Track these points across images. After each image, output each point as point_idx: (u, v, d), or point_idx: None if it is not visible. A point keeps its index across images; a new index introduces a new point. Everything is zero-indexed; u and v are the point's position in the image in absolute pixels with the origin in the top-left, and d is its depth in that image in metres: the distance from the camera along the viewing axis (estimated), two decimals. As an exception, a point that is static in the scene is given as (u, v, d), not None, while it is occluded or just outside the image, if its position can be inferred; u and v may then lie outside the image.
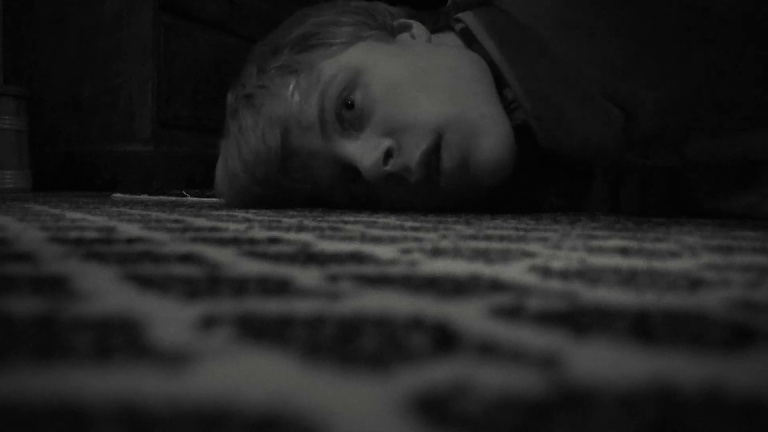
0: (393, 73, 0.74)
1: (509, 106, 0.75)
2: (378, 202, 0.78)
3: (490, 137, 0.72)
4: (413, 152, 0.71)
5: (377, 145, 0.72)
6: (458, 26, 0.81)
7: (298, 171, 0.77)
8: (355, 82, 0.74)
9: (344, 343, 0.18)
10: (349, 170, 0.76)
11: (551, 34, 0.74)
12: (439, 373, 0.16)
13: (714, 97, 0.70)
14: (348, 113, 0.73)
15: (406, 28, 0.82)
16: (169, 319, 0.21)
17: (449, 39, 0.81)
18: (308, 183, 0.78)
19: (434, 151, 0.71)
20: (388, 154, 0.71)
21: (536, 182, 0.82)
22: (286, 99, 0.76)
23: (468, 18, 0.81)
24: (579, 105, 0.73)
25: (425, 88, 0.73)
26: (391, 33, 0.81)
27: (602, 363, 0.17)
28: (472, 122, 0.72)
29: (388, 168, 0.71)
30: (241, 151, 0.78)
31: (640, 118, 0.72)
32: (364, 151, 0.72)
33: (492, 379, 0.15)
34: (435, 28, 0.84)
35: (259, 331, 0.19)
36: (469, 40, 0.79)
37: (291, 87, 0.76)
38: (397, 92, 0.73)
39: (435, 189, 0.73)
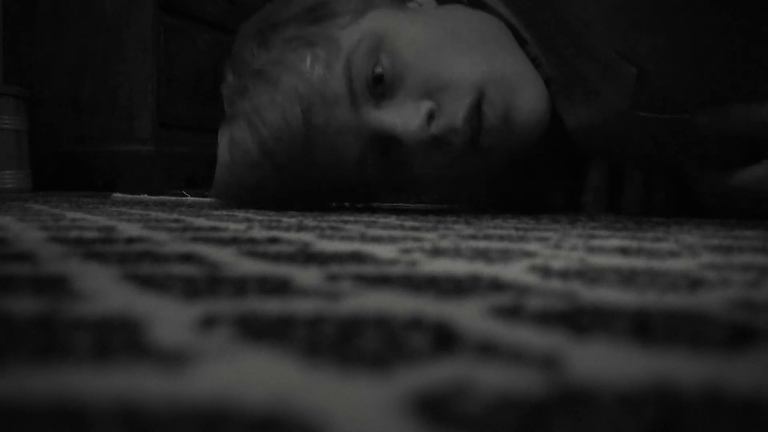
0: (420, 35, 0.71)
1: (533, 62, 0.73)
2: (409, 179, 0.74)
3: (529, 92, 0.71)
4: (456, 111, 0.68)
5: (417, 108, 0.68)
6: None
7: (324, 151, 0.72)
8: (380, 48, 0.70)
9: (344, 343, 0.18)
10: (382, 142, 0.71)
11: None
12: (438, 373, 0.16)
13: (734, 57, 0.66)
14: (377, 81, 0.69)
15: None
16: (169, 319, 0.21)
17: (458, 8, 0.79)
18: (334, 166, 0.73)
19: (476, 108, 0.68)
20: (429, 117, 0.68)
21: (539, 175, 0.80)
22: (305, 72, 0.70)
23: None
24: (592, 61, 0.70)
25: (457, 48, 0.71)
26: (399, 1, 0.78)
27: (602, 363, 0.17)
28: (510, 78, 0.70)
29: (431, 130, 0.68)
30: (258, 132, 0.72)
31: (654, 73, 0.68)
32: (403, 116, 0.69)
33: (492, 379, 0.15)
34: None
35: (259, 331, 0.19)
36: (477, 6, 0.77)
37: (308, 60, 0.71)
38: (430, 53, 0.70)
39: (475, 154, 0.70)
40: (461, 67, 0.69)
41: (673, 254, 0.37)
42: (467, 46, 0.71)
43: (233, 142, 0.75)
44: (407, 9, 0.77)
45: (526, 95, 0.70)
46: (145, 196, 1.32)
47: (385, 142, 0.71)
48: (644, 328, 0.20)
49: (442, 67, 0.69)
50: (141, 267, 0.31)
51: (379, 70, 0.69)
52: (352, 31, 0.72)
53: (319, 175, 0.74)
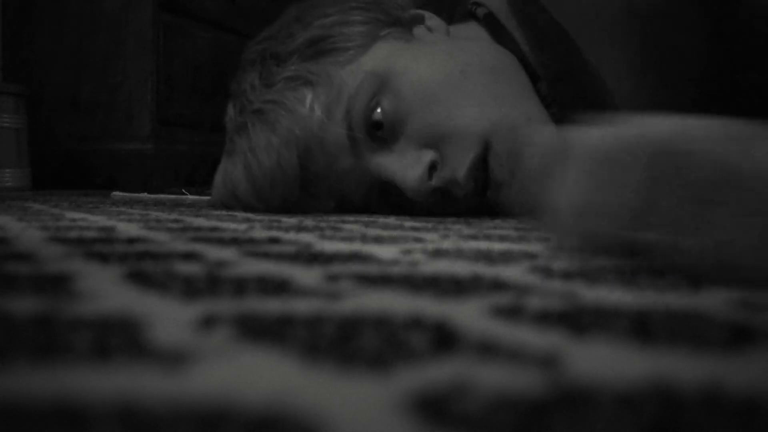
0: (424, 76, 0.68)
1: (543, 101, 0.70)
2: (414, 212, 0.71)
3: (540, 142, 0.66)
4: (460, 165, 0.65)
5: (418, 159, 0.65)
6: (481, 11, 0.74)
7: (324, 192, 0.71)
8: (382, 90, 0.67)
9: (344, 343, 0.18)
10: (384, 186, 0.69)
11: (583, 34, 0.68)
12: (438, 373, 0.16)
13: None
14: (378, 127, 0.67)
15: (419, 20, 0.74)
16: (169, 318, 0.21)
17: (472, 30, 0.75)
18: (334, 201, 0.72)
19: (482, 161, 0.65)
20: (431, 167, 0.65)
21: None
22: (304, 116, 0.67)
23: (493, 2, 0.74)
24: (612, 105, 0.67)
25: (464, 91, 0.67)
26: (406, 28, 0.73)
27: (602, 363, 0.17)
28: (519, 127, 0.66)
29: (433, 182, 0.65)
30: (251, 174, 0.70)
31: None
32: (404, 166, 0.66)
33: (491, 378, 0.15)
34: (452, 18, 0.77)
35: (259, 330, 0.19)
36: (495, 28, 0.73)
37: (308, 101, 0.68)
38: (433, 98, 0.67)
39: (480, 200, 0.67)
40: (467, 114, 0.66)
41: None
42: (475, 87, 0.67)
43: (228, 177, 0.74)
44: (414, 39, 0.72)
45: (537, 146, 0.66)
46: (144, 195, 1.32)
47: (386, 186, 0.69)
48: (644, 328, 0.20)
49: (446, 114, 0.66)
50: (141, 267, 0.31)
51: (378, 116, 0.67)
52: (355, 69, 0.69)
53: (317, 206, 0.73)
